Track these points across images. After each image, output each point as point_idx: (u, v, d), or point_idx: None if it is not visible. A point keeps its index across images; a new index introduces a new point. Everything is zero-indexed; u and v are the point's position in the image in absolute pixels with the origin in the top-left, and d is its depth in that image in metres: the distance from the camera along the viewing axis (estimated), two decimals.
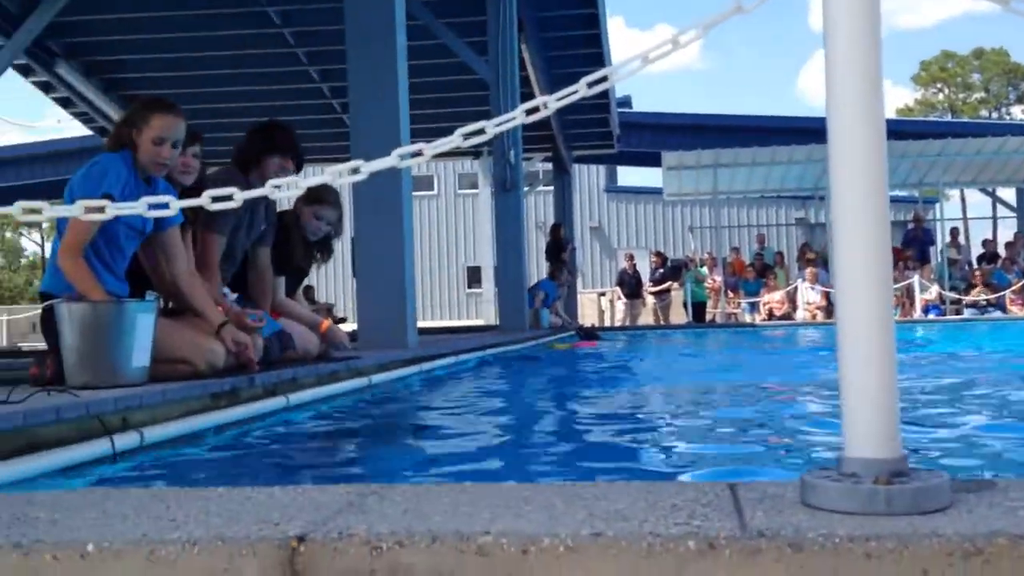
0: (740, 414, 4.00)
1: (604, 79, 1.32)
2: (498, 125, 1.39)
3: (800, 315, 17.91)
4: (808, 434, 3.30)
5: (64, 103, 15.60)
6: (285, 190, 1.64)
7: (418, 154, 1.51)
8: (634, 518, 1.22)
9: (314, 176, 1.63)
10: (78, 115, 16.14)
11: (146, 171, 3.67)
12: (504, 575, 1.16)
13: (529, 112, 1.36)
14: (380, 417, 4.54)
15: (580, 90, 1.30)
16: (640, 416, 4.21)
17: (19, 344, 18.64)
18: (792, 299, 18.68)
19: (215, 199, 1.60)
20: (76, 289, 3.45)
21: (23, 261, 61.99)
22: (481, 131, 1.40)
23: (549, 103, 1.33)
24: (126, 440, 2.85)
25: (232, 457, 3.22)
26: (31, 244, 59.91)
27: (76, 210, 1.76)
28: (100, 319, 3.27)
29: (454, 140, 1.45)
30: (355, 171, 1.46)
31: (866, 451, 1.29)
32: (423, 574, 1.17)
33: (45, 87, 14.84)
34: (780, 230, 31.01)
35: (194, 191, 4.04)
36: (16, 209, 1.71)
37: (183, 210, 3.90)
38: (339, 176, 1.46)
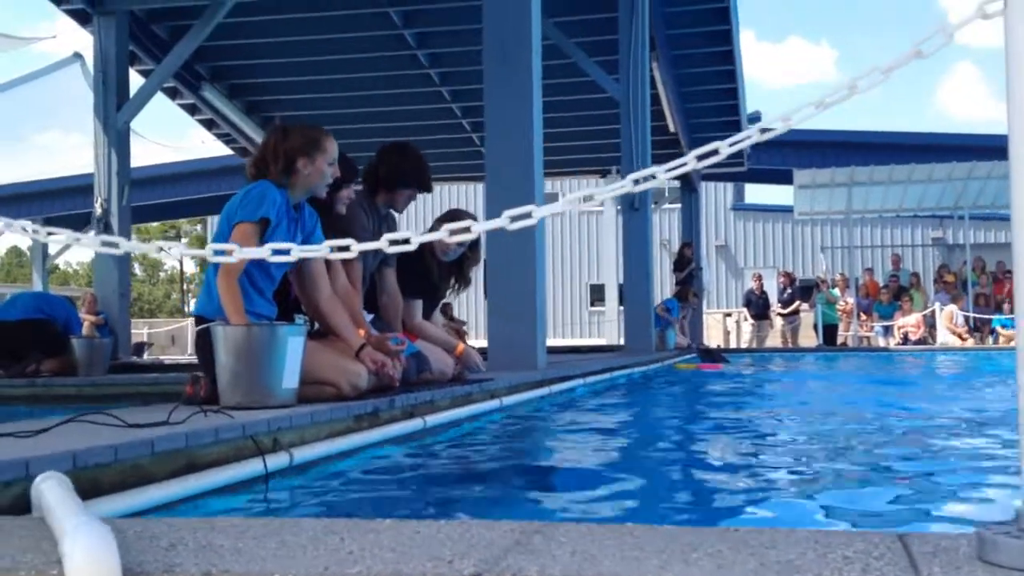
0: (884, 450, 3.89)
1: (767, 127, 1.32)
2: (732, 145, 1.38)
3: (943, 338, 17.28)
4: (963, 474, 3.19)
5: (208, 124, 16.24)
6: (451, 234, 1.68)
7: (651, 177, 1.51)
8: (808, 570, 1.21)
9: (483, 221, 1.67)
10: (220, 136, 16.79)
11: (313, 192, 3.85)
12: None
13: (704, 156, 1.36)
14: (512, 441, 4.59)
15: (753, 136, 1.29)
16: (773, 449, 4.13)
17: (160, 358, 19.43)
18: (929, 323, 18.07)
19: (392, 243, 1.66)
20: (224, 310, 3.58)
21: (161, 275, 64.71)
22: (715, 152, 1.40)
23: (721, 148, 1.34)
24: (276, 460, 2.95)
25: (374, 480, 3.30)
26: (169, 259, 62.42)
27: (264, 252, 1.84)
28: (254, 342, 3.39)
29: (689, 163, 1.45)
30: (527, 215, 1.50)
31: None
32: None
33: (191, 109, 15.49)
34: (916, 251, 30.04)
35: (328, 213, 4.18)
36: (208, 252, 1.80)
37: (321, 234, 4.06)
38: (510, 222, 1.49)
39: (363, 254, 4.77)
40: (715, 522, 2.47)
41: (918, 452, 3.77)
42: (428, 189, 5.00)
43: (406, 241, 1.61)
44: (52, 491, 1.52)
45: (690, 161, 1.38)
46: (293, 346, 3.42)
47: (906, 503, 2.60)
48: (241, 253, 1.83)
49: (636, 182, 1.41)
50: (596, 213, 31.42)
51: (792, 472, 3.35)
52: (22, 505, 1.92)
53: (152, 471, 2.50)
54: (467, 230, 1.60)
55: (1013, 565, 1.21)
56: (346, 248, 1.73)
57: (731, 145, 1.33)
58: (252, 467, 2.83)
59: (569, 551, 1.33)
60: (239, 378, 3.39)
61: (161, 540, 1.43)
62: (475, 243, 5.37)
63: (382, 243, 1.71)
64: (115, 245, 2.13)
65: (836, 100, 1.26)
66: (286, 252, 1.83)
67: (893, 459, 3.57)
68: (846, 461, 3.54)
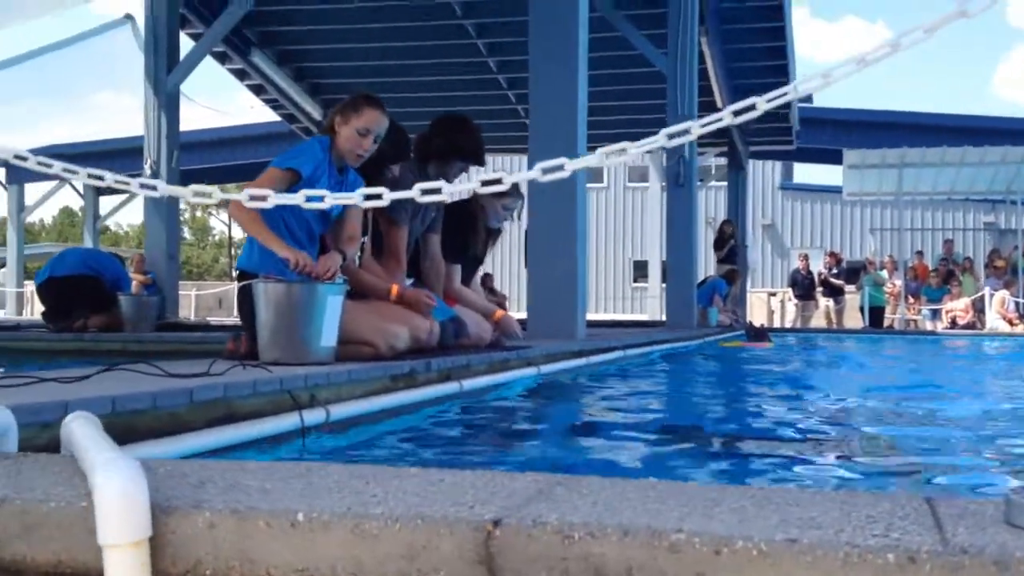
0: (921, 429, 3.85)
1: (804, 81, 1.30)
2: (770, 101, 1.36)
3: (992, 324, 17.00)
4: (992, 451, 3.15)
5: (256, 90, 16.33)
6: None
7: (685, 132, 1.49)
8: (829, 527, 1.21)
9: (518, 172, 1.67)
10: (268, 101, 16.88)
11: (342, 159, 3.82)
12: (693, 574, 1.16)
13: (738, 113, 1.34)
14: (548, 407, 4.60)
15: (791, 92, 1.27)
16: (814, 422, 4.11)
17: (207, 318, 19.68)
18: (978, 308, 17.79)
19: (424, 192, 1.67)
20: (265, 245, 3.60)
21: (210, 239, 65.48)
22: (752, 107, 1.38)
23: (759, 104, 1.32)
24: (313, 416, 2.98)
25: (409, 439, 3.33)
26: (219, 223, 63.16)
27: (298, 199, 1.85)
28: (294, 299, 3.42)
29: (725, 118, 1.42)
30: (558, 169, 1.49)
31: None
32: (613, 566, 1.18)
33: (239, 74, 15.58)
34: (967, 234, 29.57)
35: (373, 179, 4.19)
36: (244, 196, 1.82)
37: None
38: (542, 173, 1.49)
39: (411, 220, 4.82)
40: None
41: (951, 429, 3.73)
42: (481, 163, 5.05)
43: (437, 191, 1.62)
44: (80, 428, 1.56)
45: (726, 116, 1.36)
46: (332, 305, 3.45)
47: (933, 474, 2.58)
48: (276, 198, 1.85)
49: (670, 136, 1.40)
50: (641, 189, 31.21)
51: (829, 444, 3.33)
52: (58, 445, 1.96)
53: (189, 420, 2.54)
54: (499, 181, 1.60)
55: None
56: (378, 196, 1.74)
57: (768, 101, 1.32)
58: (289, 421, 2.86)
59: (591, 502, 1.33)
60: (278, 335, 3.43)
61: (190, 478, 1.46)
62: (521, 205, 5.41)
63: (415, 192, 1.72)
64: (153, 188, 2.18)
65: (878, 57, 1.23)
66: (319, 199, 1.85)
67: (925, 438, 3.54)
68: (886, 438, 3.51)
